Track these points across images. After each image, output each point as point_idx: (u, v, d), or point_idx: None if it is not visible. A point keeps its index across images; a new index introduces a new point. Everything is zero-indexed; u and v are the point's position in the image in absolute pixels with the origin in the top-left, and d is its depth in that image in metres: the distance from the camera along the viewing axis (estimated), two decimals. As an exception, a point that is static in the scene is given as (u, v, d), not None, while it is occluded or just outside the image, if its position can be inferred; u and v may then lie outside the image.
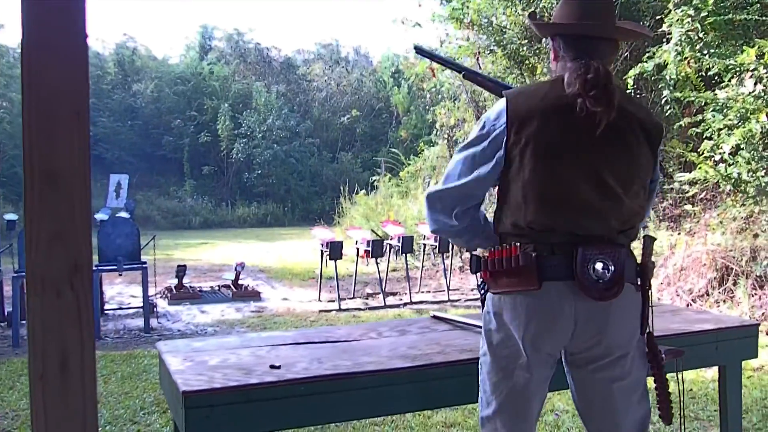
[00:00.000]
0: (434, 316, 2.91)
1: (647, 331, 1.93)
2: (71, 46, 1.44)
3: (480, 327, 2.04)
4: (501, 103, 1.91)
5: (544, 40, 9.76)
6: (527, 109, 1.85)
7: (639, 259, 1.93)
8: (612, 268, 1.80)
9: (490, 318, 1.93)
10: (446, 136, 13.16)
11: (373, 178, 17.59)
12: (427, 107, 18.12)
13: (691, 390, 4.40)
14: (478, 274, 1.97)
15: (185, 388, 1.95)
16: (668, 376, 2.00)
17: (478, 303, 2.07)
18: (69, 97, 1.45)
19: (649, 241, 1.96)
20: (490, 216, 2.01)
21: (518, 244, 1.84)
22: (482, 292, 1.99)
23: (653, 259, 1.96)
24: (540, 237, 1.83)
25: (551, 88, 1.89)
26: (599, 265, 1.79)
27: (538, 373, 1.89)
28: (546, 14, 9.78)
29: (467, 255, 9.33)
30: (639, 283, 1.91)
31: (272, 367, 2.17)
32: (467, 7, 10.19)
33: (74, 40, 1.44)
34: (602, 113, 1.78)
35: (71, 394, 1.41)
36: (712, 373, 4.42)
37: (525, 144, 1.83)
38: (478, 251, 2.04)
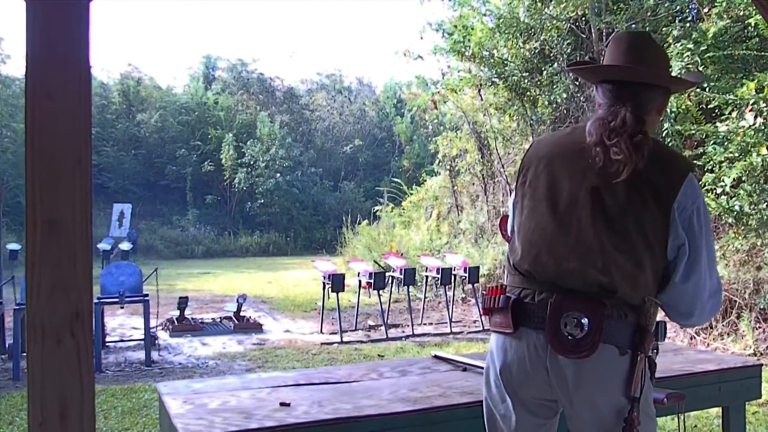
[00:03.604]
0: (435, 356, 2.90)
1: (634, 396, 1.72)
2: (74, 95, 1.46)
3: (481, 367, 2.04)
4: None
5: (544, 72, 9.83)
6: (539, 153, 1.89)
7: (638, 322, 1.74)
8: (587, 326, 1.68)
9: (488, 354, 1.94)
10: (448, 166, 13.20)
11: (376, 207, 17.62)
12: (430, 137, 18.19)
13: (695, 426, 4.36)
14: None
15: (185, 433, 1.94)
16: (670, 417, 1.96)
17: (481, 336, 2.06)
18: (71, 145, 1.47)
19: (649, 303, 1.77)
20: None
21: (506, 285, 1.88)
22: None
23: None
24: (526, 282, 1.83)
25: (570, 134, 1.90)
26: (570, 321, 1.70)
27: (523, 419, 1.85)
28: (547, 47, 9.88)
29: (469, 287, 9.32)
30: (632, 347, 1.72)
31: (282, 404, 2.18)
32: (468, 40, 10.29)
33: (77, 89, 1.47)
34: (625, 161, 1.69)
35: (71, 444, 1.41)
36: (716, 408, 4.38)
37: (528, 187, 1.88)
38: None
